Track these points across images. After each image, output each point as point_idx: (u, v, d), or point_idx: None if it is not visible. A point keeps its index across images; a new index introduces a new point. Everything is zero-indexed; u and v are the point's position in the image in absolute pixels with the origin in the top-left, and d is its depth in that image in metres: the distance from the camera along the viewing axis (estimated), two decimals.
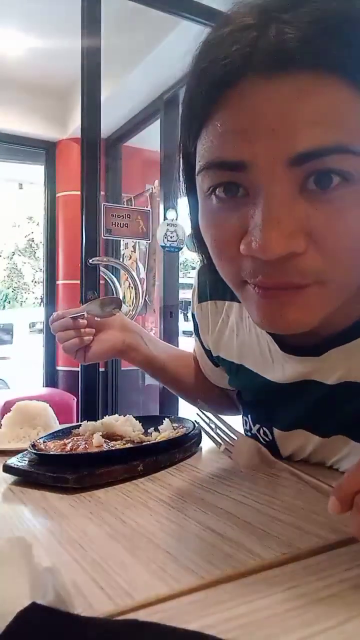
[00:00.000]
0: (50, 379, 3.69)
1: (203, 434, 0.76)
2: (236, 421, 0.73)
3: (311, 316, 0.45)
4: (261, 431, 0.70)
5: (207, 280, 0.76)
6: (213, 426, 0.63)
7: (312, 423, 0.63)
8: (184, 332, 2.94)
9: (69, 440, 0.69)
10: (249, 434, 0.72)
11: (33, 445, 0.66)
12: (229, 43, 0.41)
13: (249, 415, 0.73)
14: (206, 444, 0.76)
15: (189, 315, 0.84)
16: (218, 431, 0.62)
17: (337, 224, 0.40)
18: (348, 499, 0.37)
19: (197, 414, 0.68)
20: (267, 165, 0.39)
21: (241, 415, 0.77)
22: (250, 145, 0.39)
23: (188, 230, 2.78)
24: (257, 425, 0.70)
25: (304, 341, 0.58)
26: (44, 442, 0.68)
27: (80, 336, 0.81)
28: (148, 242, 2.82)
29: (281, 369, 0.63)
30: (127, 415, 0.77)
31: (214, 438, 0.63)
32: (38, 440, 0.68)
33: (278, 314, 0.44)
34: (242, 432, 0.74)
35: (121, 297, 2.65)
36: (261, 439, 0.69)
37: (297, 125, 0.38)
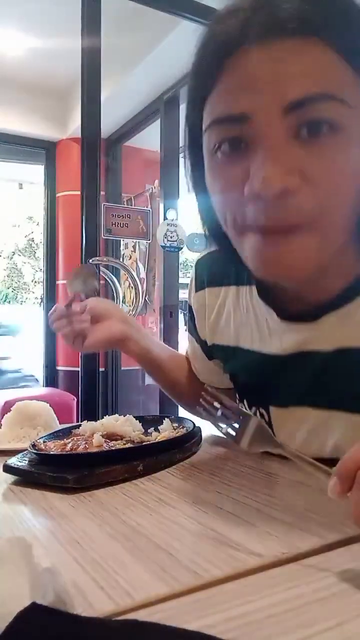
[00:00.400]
0: (50, 379, 3.69)
1: (202, 431, 0.76)
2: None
3: (305, 262, 0.50)
4: (257, 413, 0.70)
5: (205, 269, 0.78)
6: (217, 406, 0.61)
7: (310, 397, 0.62)
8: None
9: (69, 440, 0.69)
10: None
11: (33, 445, 0.66)
12: (226, 20, 0.48)
13: (245, 400, 0.73)
14: (206, 443, 0.76)
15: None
16: (220, 414, 0.61)
17: (327, 165, 0.46)
18: (349, 477, 0.38)
19: (202, 396, 0.66)
20: (264, 115, 0.46)
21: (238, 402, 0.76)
22: (249, 99, 0.46)
23: (188, 230, 2.76)
24: (254, 408, 0.70)
25: (301, 309, 0.61)
26: (44, 442, 0.68)
27: (73, 323, 0.79)
28: (148, 242, 2.82)
29: (279, 340, 0.64)
30: (127, 415, 0.77)
31: (216, 422, 0.61)
32: (38, 440, 0.68)
33: (275, 259, 0.49)
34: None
35: (121, 297, 2.64)
36: None
37: (288, 79, 0.45)
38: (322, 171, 0.46)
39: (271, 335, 0.65)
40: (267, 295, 0.66)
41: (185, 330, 0.88)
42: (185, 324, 0.92)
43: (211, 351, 0.78)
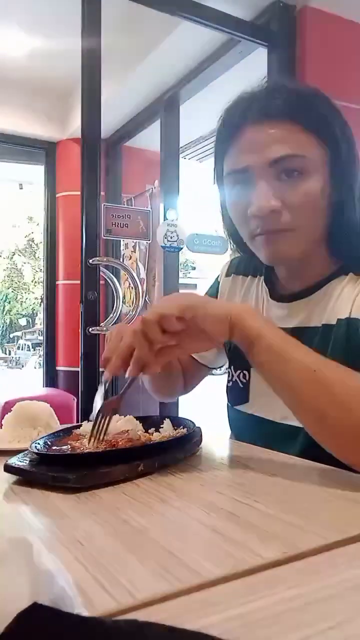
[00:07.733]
0: (50, 379, 3.69)
1: (203, 431, 0.76)
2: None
3: (291, 250, 0.78)
4: (240, 375, 0.91)
5: (235, 263, 1.01)
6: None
7: None
8: None
9: (69, 440, 0.69)
10: (230, 382, 0.93)
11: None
12: (234, 110, 0.79)
13: (232, 366, 0.94)
14: (207, 444, 0.76)
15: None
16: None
17: (298, 194, 0.74)
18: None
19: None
20: (258, 167, 0.75)
21: (227, 369, 0.96)
22: (247, 158, 0.76)
23: (188, 230, 2.75)
24: (238, 371, 0.92)
25: (284, 294, 0.86)
26: (44, 442, 0.68)
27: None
28: (148, 242, 2.81)
29: (266, 314, 0.87)
30: (128, 415, 0.77)
31: None
32: (38, 441, 0.68)
33: (274, 249, 0.78)
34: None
35: (121, 297, 2.64)
36: (239, 382, 0.91)
37: (270, 145, 0.74)
38: (294, 197, 0.74)
39: (264, 312, 0.89)
40: (267, 282, 0.92)
41: None
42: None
43: None
